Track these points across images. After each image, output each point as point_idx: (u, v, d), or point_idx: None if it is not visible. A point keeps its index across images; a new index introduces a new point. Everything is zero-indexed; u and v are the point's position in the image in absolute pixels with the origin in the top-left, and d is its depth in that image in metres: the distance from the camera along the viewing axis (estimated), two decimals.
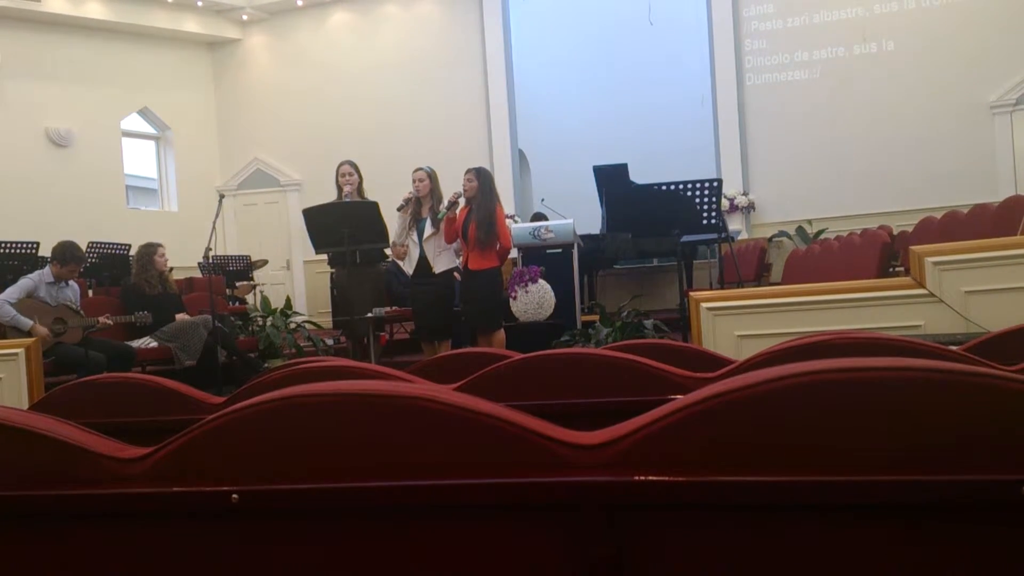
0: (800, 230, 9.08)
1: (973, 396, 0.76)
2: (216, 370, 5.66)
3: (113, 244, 7.85)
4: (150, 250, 6.35)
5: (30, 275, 5.67)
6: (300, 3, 10.93)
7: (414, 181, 5.68)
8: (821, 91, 9.23)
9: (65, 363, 5.41)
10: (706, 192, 4.88)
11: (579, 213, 8.14)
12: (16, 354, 4.27)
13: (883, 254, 4.69)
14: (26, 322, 5.35)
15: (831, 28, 9.24)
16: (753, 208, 9.42)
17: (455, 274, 5.81)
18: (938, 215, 6.29)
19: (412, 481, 0.87)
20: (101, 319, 5.69)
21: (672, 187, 4.92)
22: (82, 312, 5.68)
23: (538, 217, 8.86)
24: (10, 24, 9.60)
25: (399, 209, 5.66)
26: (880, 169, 8.90)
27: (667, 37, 11.21)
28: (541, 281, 5.96)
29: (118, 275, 7.45)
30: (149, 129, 11.11)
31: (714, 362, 1.90)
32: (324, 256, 6.00)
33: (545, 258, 6.65)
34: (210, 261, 6.37)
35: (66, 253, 5.66)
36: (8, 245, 6.68)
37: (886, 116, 8.94)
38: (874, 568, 0.78)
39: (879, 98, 8.99)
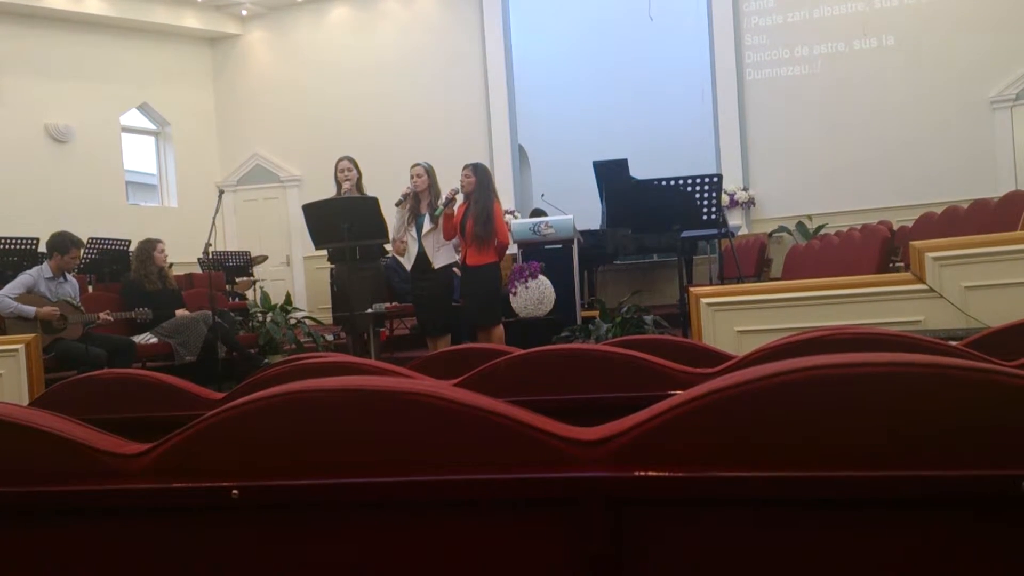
0: (800, 225, 9.07)
1: (973, 391, 0.76)
2: (216, 366, 5.67)
3: (113, 240, 7.83)
4: (150, 246, 6.35)
5: (29, 271, 5.66)
6: None
7: (412, 177, 5.68)
8: (821, 86, 9.21)
9: (65, 359, 5.41)
10: (706, 187, 4.86)
11: (579, 209, 8.13)
12: (16, 350, 4.28)
13: (883, 249, 4.68)
14: (29, 309, 5.34)
15: (831, 23, 9.22)
16: (753, 203, 9.42)
17: (454, 269, 5.81)
18: (938, 210, 6.29)
19: (412, 477, 0.87)
20: (102, 315, 5.68)
21: (672, 182, 4.91)
22: (82, 308, 5.68)
23: (538, 213, 8.85)
24: (10, 20, 9.58)
25: (397, 204, 5.66)
26: (880, 164, 8.89)
27: (667, 32, 11.18)
28: (541, 277, 5.96)
29: (118, 271, 7.44)
30: (149, 125, 11.09)
31: (714, 358, 1.90)
32: (324, 252, 6.00)
33: (545, 254, 6.64)
34: (210, 257, 6.38)
35: (64, 240, 5.66)
36: (7, 241, 6.68)
37: (886, 111, 8.92)
38: (874, 563, 0.78)
39: (879, 93, 8.97)
